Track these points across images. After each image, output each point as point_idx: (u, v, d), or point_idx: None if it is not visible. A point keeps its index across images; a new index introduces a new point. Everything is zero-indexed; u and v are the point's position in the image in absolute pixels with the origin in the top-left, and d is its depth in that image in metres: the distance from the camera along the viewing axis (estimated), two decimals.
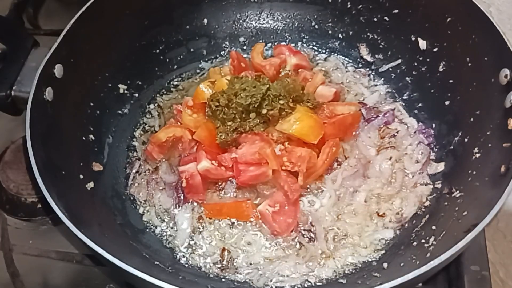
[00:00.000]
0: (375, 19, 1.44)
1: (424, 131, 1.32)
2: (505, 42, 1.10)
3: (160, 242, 1.22)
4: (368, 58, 1.49)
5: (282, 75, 1.44)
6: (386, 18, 1.42)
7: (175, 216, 1.25)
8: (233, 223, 1.23)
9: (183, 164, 1.25)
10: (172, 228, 1.24)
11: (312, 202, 1.23)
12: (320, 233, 1.18)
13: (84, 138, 1.27)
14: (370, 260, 1.16)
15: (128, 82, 1.43)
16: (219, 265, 1.18)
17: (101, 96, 1.35)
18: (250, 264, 1.17)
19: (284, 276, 1.14)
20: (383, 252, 1.16)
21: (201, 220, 1.24)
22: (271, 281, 1.14)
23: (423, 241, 1.09)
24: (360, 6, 1.45)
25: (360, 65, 1.50)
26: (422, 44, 1.35)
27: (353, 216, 1.22)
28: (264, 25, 1.58)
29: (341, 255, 1.16)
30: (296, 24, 1.56)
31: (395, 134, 1.33)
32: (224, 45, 1.57)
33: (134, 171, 1.33)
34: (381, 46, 1.46)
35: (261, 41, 1.56)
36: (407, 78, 1.41)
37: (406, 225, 1.20)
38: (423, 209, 1.21)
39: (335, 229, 1.20)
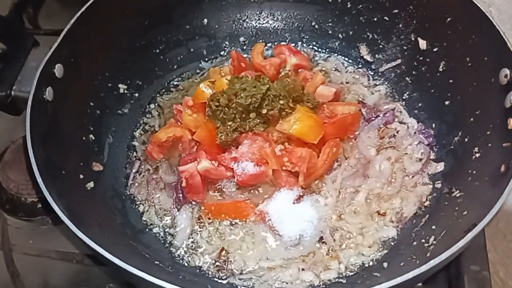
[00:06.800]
0: (375, 19, 1.44)
1: (424, 131, 1.32)
2: (505, 42, 1.10)
3: (160, 241, 1.22)
4: (368, 58, 1.49)
5: (282, 75, 1.44)
6: (386, 18, 1.42)
7: (175, 216, 1.25)
8: (233, 223, 1.23)
9: (183, 164, 1.25)
10: (172, 228, 1.24)
11: (314, 203, 1.23)
12: (326, 233, 1.18)
13: (84, 138, 1.27)
14: (372, 259, 1.16)
15: (128, 82, 1.43)
16: (218, 265, 1.17)
17: (101, 96, 1.35)
18: (250, 264, 1.17)
19: (285, 277, 1.14)
20: (385, 251, 1.16)
21: (200, 220, 1.24)
22: (273, 284, 1.14)
23: (423, 240, 1.09)
24: (360, 6, 1.45)
25: (360, 65, 1.50)
26: (422, 44, 1.35)
27: (354, 216, 1.22)
28: (264, 25, 1.58)
29: (345, 255, 1.16)
30: (296, 24, 1.56)
31: (395, 134, 1.33)
32: (224, 45, 1.57)
33: (134, 171, 1.33)
34: (381, 46, 1.46)
35: (261, 41, 1.56)
36: (407, 78, 1.41)
37: (406, 224, 1.20)
38: (423, 209, 1.21)
39: (339, 229, 1.20)
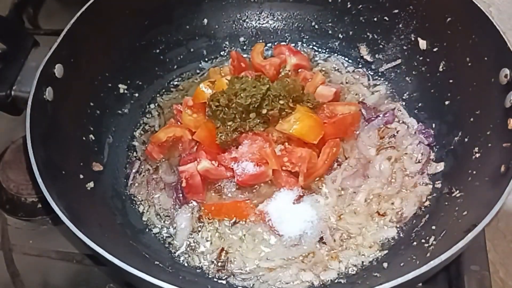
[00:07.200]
0: (375, 19, 1.44)
1: (424, 131, 1.32)
2: (505, 42, 1.10)
3: (160, 242, 1.22)
4: (368, 58, 1.49)
5: (282, 75, 1.44)
6: (386, 18, 1.42)
7: (175, 216, 1.25)
8: (233, 223, 1.23)
9: (183, 164, 1.25)
10: (172, 228, 1.24)
11: (314, 203, 1.23)
12: (326, 233, 1.18)
13: (84, 138, 1.27)
14: (372, 260, 1.16)
15: (128, 82, 1.43)
16: (218, 265, 1.17)
17: (101, 96, 1.35)
18: (250, 264, 1.17)
19: (285, 277, 1.14)
20: (385, 252, 1.16)
21: (200, 220, 1.24)
22: (273, 284, 1.14)
23: (423, 241, 1.09)
24: (360, 6, 1.45)
25: (360, 65, 1.50)
26: (422, 44, 1.35)
27: (354, 216, 1.21)
28: (264, 25, 1.58)
29: (345, 255, 1.16)
30: (296, 24, 1.56)
31: (395, 134, 1.33)
32: (224, 45, 1.57)
33: (134, 171, 1.33)
34: (381, 46, 1.46)
35: (261, 41, 1.56)
36: (407, 78, 1.41)
37: (406, 225, 1.20)
38: (423, 209, 1.21)
39: (339, 229, 1.20)
